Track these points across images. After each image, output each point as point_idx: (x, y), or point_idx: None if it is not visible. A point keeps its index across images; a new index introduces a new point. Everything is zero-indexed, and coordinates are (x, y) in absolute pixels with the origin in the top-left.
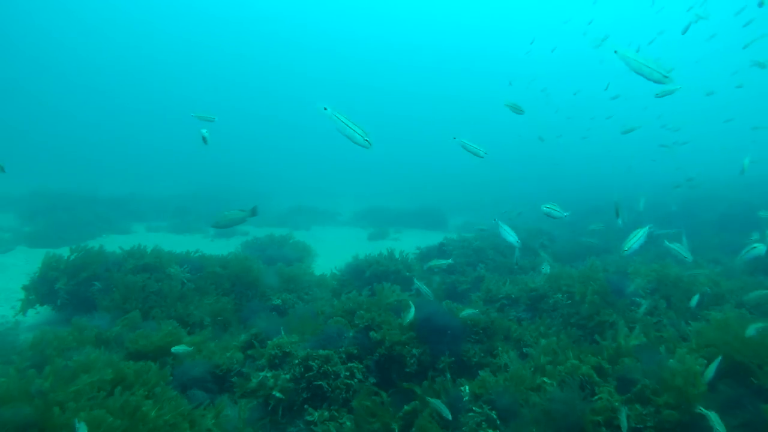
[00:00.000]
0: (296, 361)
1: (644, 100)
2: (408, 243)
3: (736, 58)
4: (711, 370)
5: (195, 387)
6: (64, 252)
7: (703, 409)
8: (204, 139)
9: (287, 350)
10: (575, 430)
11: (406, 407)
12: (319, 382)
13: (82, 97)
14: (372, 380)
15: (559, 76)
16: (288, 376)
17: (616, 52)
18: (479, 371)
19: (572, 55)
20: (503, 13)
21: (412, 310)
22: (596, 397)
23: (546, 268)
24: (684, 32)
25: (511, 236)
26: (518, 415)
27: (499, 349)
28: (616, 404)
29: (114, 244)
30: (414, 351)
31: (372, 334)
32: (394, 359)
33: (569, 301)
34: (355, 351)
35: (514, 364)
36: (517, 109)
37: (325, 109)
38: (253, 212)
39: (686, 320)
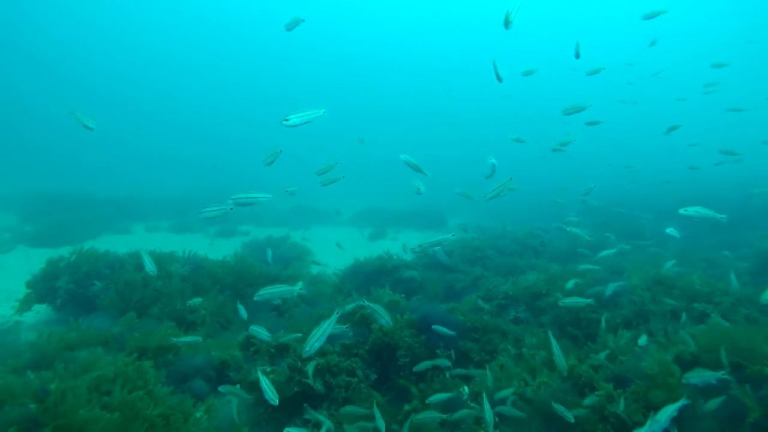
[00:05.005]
0: (295, 358)
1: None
2: (407, 243)
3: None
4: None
5: (195, 378)
6: (64, 253)
7: None
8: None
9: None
10: (572, 426)
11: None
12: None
13: (82, 97)
14: (373, 376)
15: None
16: (287, 375)
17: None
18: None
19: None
20: (503, 12)
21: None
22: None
23: None
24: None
25: None
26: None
27: (494, 342)
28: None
29: (114, 244)
30: (408, 341)
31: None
32: (391, 349)
33: None
34: (354, 348)
35: (509, 363)
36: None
37: None
38: None
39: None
